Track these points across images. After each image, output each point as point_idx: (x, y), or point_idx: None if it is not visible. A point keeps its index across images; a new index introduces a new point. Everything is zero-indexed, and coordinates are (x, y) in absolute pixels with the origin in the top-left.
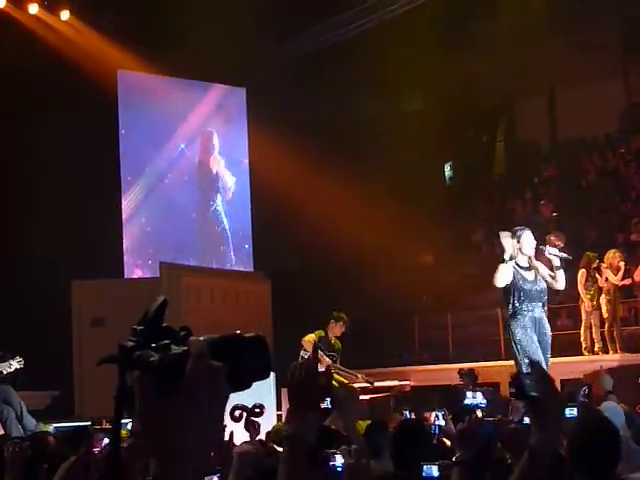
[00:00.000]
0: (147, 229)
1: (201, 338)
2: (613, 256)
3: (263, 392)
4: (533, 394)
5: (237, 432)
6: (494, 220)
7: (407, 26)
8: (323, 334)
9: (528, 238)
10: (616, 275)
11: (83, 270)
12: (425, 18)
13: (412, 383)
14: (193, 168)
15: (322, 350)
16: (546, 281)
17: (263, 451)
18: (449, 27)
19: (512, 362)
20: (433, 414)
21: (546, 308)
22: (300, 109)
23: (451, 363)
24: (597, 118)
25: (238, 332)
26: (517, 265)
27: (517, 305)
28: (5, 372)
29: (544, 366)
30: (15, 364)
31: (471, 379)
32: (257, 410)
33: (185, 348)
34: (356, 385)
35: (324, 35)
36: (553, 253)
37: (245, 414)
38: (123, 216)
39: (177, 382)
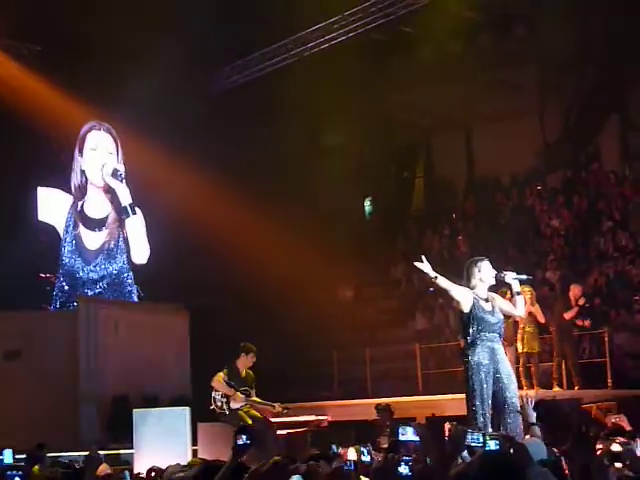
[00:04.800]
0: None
1: None
2: (522, 291)
3: (178, 427)
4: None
5: None
6: (412, 255)
7: (328, 62)
8: (227, 371)
9: (487, 267)
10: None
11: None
12: (345, 55)
13: (329, 418)
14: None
15: (233, 387)
16: (504, 312)
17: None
18: (369, 64)
19: (429, 397)
20: (350, 450)
21: (502, 340)
22: (220, 142)
23: (369, 398)
24: (513, 156)
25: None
26: (477, 295)
27: (476, 335)
28: None
29: (487, 403)
30: None
31: (388, 414)
32: None
33: None
34: (273, 419)
35: (244, 70)
36: (513, 277)
37: None
38: None
39: None
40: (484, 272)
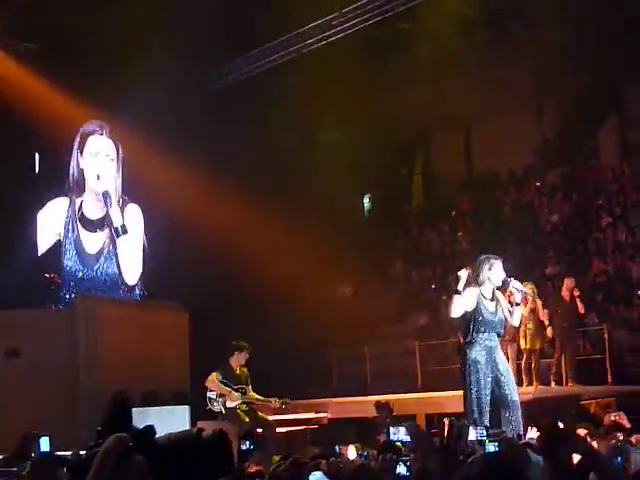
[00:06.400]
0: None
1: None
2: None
3: (178, 426)
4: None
5: None
6: (411, 252)
7: (326, 60)
8: (222, 370)
9: (499, 268)
10: (525, 306)
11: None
12: (343, 52)
13: (329, 415)
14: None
15: (229, 385)
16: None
17: None
18: (367, 61)
19: (429, 394)
20: (350, 447)
21: (499, 338)
22: (217, 140)
23: (369, 395)
24: (512, 152)
25: (196, 430)
26: (482, 294)
27: (475, 334)
28: None
29: (486, 405)
30: None
31: (387, 412)
32: None
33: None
34: (272, 417)
35: (242, 68)
36: (517, 287)
37: None
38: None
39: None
40: (494, 272)
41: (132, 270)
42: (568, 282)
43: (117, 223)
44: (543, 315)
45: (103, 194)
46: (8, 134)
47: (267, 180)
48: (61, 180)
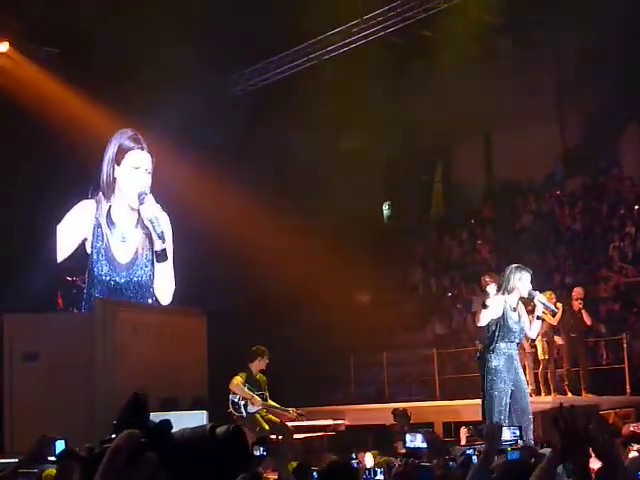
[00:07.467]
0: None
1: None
2: (549, 297)
3: None
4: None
5: None
6: (430, 260)
7: (346, 66)
8: (245, 374)
9: (527, 280)
10: (554, 316)
11: (15, 302)
12: (364, 59)
13: (347, 422)
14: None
15: (252, 391)
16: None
17: None
18: (388, 68)
19: (446, 402)
20: (367, 455)
21: (517, 347)
22: (235, 146)
23: (386, 402)
24: (532, 161)
25: (210, 426)
26: (507, 304)
27: (498, 342)
28: None
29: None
30: None
31: (405, 419)
32: None
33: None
34: (289, 424)
35: (263, 73)
36: (541, 301)
37: None
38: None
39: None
40: (523, 282)
41: (166, 293)
42: (576, 291)
43: (158, 247)
44: (549, 324)
45: (150, 220)
46: (27, 137)
47: (286, 185)
48: (81, 184)
